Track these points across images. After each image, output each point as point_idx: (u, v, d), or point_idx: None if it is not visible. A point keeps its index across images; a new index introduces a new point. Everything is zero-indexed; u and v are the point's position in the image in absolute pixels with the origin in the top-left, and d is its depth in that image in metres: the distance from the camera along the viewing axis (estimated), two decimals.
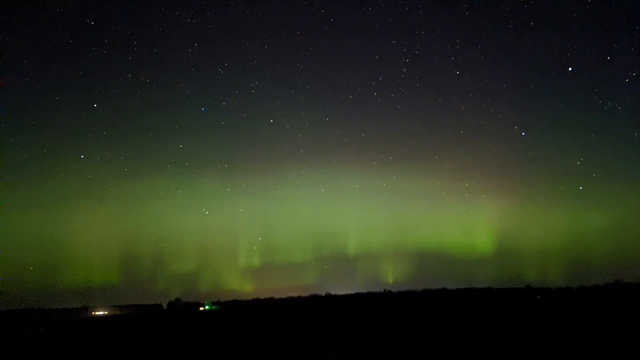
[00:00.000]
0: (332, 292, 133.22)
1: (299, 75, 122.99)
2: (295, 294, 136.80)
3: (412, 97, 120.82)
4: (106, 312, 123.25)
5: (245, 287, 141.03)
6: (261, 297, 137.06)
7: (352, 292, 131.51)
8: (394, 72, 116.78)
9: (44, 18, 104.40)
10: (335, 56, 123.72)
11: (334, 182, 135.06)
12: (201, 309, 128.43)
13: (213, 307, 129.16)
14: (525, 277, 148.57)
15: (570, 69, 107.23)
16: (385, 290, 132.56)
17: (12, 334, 42.16)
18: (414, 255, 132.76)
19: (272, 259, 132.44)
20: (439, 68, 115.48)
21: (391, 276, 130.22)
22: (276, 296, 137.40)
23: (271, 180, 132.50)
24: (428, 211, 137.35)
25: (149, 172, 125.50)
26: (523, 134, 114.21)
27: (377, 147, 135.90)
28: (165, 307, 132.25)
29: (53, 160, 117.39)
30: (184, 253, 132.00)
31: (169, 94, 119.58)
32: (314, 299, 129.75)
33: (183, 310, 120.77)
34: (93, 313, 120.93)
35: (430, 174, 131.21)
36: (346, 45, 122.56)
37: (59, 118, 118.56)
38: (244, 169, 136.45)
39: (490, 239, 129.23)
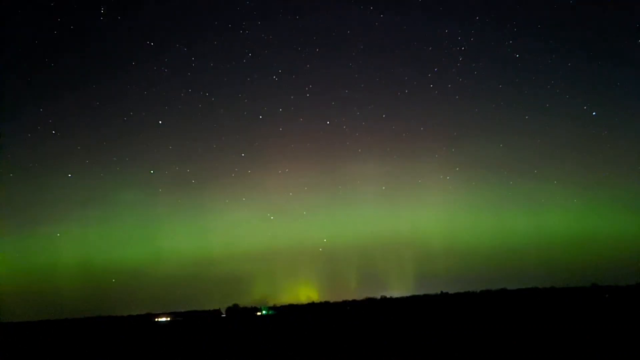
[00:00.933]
0: (388, 295, 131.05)
1: (351, 74, 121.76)
2: (349, 297, 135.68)
3: (471, 86, 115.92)
4: (168, 319, 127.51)
5: (310, 289, 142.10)
6: (316, 301, 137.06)
7: (409, 295, 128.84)
8: (449, 62, 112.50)
9: (107, 43, 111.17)
10: (388, 51, 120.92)
11: (394, 178, 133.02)
12: (258, 313, 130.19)
13: (269, 312, 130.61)
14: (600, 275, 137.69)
15: None
16: (441, 291, 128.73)
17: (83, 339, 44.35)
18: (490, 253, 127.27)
19: (337, 259, 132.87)
20: (496, 53, 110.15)
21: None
22: (331, 300, 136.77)
23: (331, 180, 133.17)
24: (496, 202, 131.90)
25: (215, 183, 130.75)
26: (594, 113, 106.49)
27: (437, 139, 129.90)
28: (223, 313, 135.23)
29: (125, 175, 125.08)
30: (251, 258, 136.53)
31: (228, 105, 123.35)
32: (369, 303, 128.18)
33: (241, 315, 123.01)
34: (156, 319, 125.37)
35: (496, 163, 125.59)
36: (398, 39, 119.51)
37: (128, 136, 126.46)
38: (304, 171, 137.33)
39: (567, 229, 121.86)
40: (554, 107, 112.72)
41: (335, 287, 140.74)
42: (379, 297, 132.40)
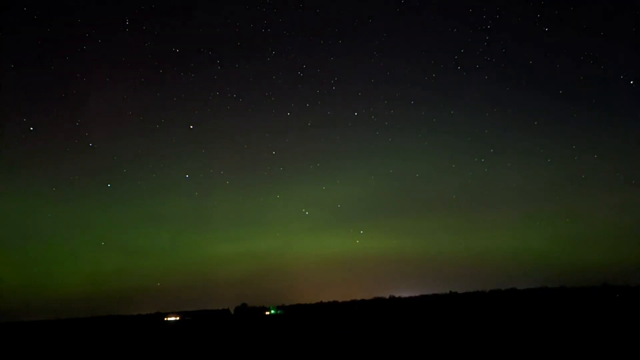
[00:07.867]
0: (397, 295, 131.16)
1: (376, 63, 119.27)
2: (358, 297, 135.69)
3: (499, 65, 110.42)
4: (177, 318, 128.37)
5: (346, 284, 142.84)
6: (324, 300, 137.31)
7: (418, 295, 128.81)
8: (475, 42, 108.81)
9: (134, 53, 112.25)
10: (411, 37, 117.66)
11: (427, 165, 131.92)
12: (267, 313, 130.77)
13: (278, 312, 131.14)
14: None
15: None
16: (450, 291, 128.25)
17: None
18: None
19: (376, 251, 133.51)
20: (524, 28, 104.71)
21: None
22: (339, 299, 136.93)
23: (364, 171, 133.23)
24: (533, 179, 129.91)
25: (249, 182, 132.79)
26: (631, 82, 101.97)
27: (469, 122, 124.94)
28: (232, 312, 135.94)
29: (163, 181, 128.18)
30: (287, 257, 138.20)
31: (256, 105, 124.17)
32: (378, 302, 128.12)
33: (250, 315, 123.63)
34: (166, 319, 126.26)
35: (532, 141, 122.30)
36: (420, 23, 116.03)
37: (161, 143, 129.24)
38: (336, 164, 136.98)
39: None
40: (588, 79, 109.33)
41: (371, 281, 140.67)
42: (387, 296, 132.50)
